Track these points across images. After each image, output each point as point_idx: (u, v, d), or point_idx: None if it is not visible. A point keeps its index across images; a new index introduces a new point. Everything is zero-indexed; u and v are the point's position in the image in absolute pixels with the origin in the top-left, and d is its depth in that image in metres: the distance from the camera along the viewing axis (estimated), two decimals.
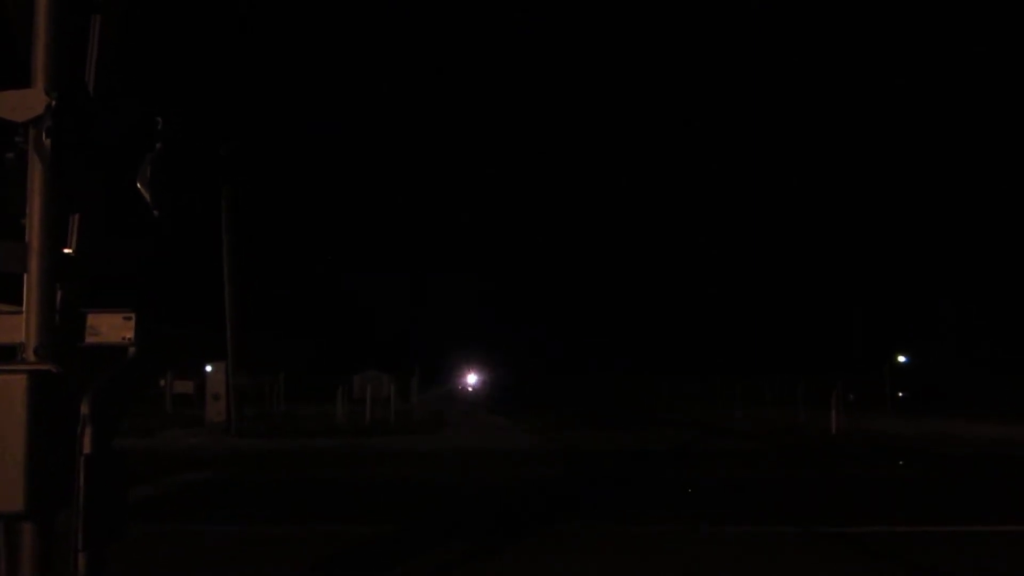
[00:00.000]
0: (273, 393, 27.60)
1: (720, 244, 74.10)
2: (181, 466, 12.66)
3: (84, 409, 3.52)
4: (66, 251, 3.67)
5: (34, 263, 3.55)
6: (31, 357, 3.51)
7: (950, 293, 47.36)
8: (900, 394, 30.51)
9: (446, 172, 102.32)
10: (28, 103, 3.39)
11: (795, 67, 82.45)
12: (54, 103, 3.37)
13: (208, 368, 23.79)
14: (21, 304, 3.56)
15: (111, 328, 3.74)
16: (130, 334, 3.74)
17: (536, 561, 6.14)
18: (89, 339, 3.70)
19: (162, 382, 31.19)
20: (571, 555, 6.38)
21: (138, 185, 3.76)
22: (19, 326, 3.55)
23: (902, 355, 39.93)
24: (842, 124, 76.97)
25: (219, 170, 19.40)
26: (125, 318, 3.77)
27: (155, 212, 3.83)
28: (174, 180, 3.80)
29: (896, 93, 73.94)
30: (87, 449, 3.51)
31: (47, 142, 3.36)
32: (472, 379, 65.55)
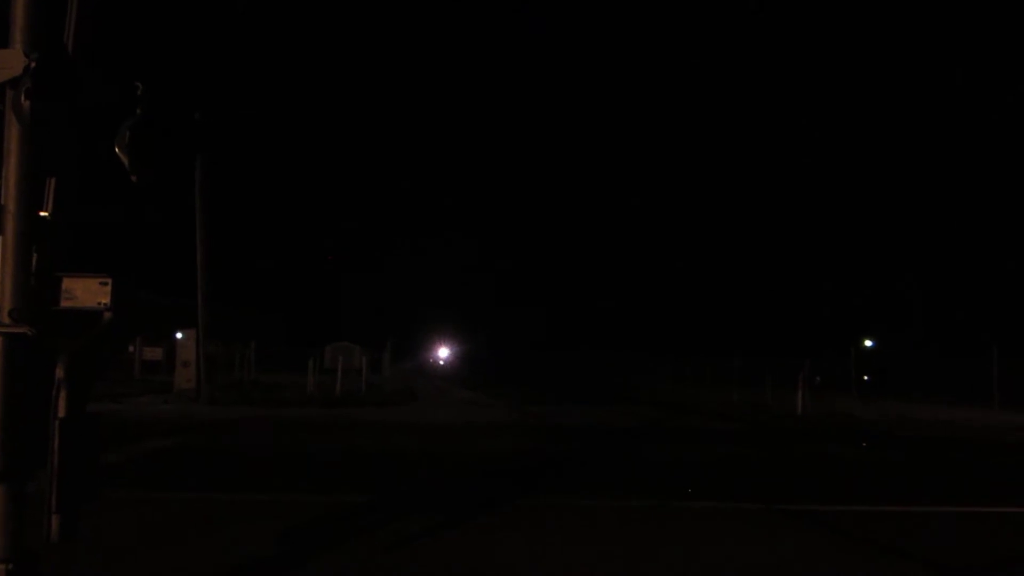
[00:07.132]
0: (244, 362, 27.43)
1: (692, 227, 74.47)
2: (150, 432, 12.62)
3: (59, 373, 3.54)
4: (42, 214, 3.65)
5: (9, 225, 3.53)
6: (6, 319, 3.50)
7: (918, 278, 48.26)
8: (864, 377, 31.14)
9: (426, 141, 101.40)
10: (7, 63, 3.36)
11: (767, 64, 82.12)
12: (33, 64, 3.33)
13: (179, 335, 23.62)
14: None
15: (86, 292, 3.74)
16: (106, 299, 3.74)
17: (494, 534, 6.25)
18: (64, 303, 3.70)
19: (131, 348, 30.91)
20: (531, 529, 6.51)
21: (116, 150, 3.74)
22: None
23: (869, 339, 40.74)
24: (809, 106, 76.97)
25: (193, 138, 19.14)
26: (101, 283, 3.76)
27: (133, 178, 3.81)
28: (153, 146, 3.78)
29: (865, 79, 74.17)
30: (61, 412, 3.53)
31: (26, 103, 3.32)
32: (444, 353, 65.55)
